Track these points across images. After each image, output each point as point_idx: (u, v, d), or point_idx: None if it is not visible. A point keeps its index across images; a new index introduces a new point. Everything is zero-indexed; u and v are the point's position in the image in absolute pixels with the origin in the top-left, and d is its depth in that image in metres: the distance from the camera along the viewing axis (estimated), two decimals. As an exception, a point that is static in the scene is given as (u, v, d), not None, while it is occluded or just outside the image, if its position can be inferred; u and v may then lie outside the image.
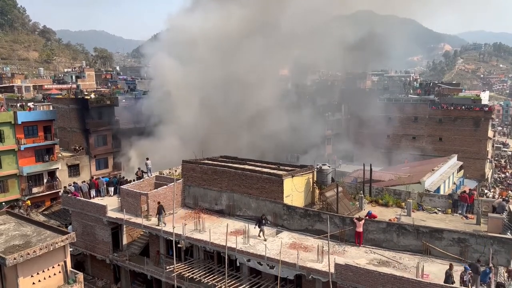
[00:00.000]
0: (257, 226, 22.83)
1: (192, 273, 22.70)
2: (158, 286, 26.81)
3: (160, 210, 25.12)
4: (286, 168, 26.70)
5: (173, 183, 26.26)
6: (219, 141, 44.94)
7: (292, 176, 24.56)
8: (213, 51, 49.47)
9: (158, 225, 25.04)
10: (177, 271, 22.81)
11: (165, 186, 27.47)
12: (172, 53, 52.02)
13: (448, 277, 16.39)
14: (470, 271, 16.41)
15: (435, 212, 24.38)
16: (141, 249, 28.71)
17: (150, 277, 26.18)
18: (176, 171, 33.74)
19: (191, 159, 29.13)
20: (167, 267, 23.65)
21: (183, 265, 23.68)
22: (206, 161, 28.88)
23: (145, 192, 26.86)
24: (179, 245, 23.29)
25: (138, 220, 25.70)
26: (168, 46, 54.89)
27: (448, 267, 17.01)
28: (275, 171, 25.45)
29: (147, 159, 33.58)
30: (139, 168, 33.83)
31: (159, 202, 25.67)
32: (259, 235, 22.73)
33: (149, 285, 27.54)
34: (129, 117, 50.96)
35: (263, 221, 22.66)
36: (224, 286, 20.97)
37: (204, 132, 45.90)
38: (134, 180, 31.31)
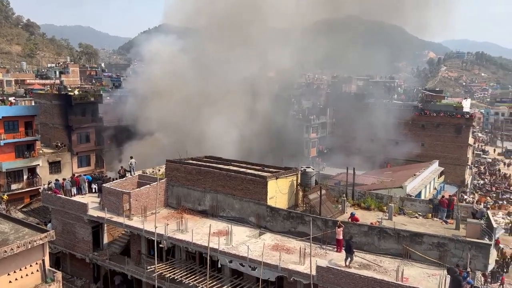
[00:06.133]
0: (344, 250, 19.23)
1: (174, 274, 22.52)
2: (138, 286, 26.53)
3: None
4: (270, 169, 26.74)
5: (156, 183, 26.06)
6: (207, 141, 44.68)
7: (276, 178, 24.60)
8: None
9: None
10: (158, 271, 22.60)
11: (148, 186, 27.17)
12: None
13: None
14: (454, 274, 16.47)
15: (416, 217, 24.71)
16: (122, 248, 28.37)
17: (130, 277, 25.88)
18: (159, 170, 33.47)
19: (175, 159, 28.93)
20: (148, 267, 23.42)
21: (164, 265, 23.47)
22: (190, 161, 28.72)
23: (128, 191, 26.55)
24: (160, 245, 23.11)
25: (120, 219, 25.39)
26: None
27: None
28: (259, 173, 25.48)
29: (131, 157, 33.20)
30: (121, 167, 33.45)
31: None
32: (347, 264, 18.79)
33: (130, 285, 27.23)
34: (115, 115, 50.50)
35: (352, 245, 18.91)
36: (205, 287, 20.87)
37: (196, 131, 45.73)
38: (116, 179, 30.95)
